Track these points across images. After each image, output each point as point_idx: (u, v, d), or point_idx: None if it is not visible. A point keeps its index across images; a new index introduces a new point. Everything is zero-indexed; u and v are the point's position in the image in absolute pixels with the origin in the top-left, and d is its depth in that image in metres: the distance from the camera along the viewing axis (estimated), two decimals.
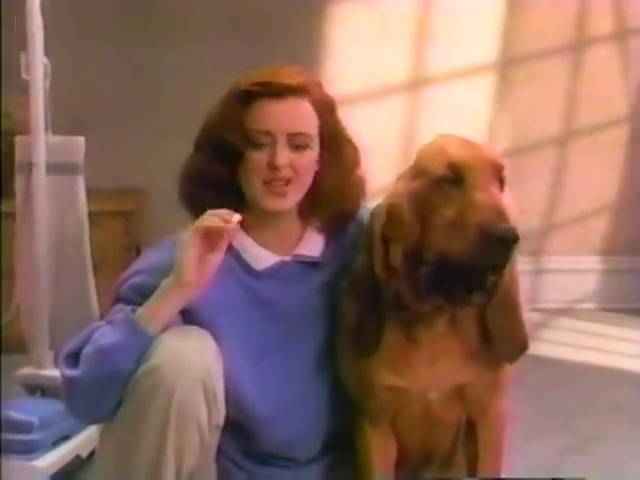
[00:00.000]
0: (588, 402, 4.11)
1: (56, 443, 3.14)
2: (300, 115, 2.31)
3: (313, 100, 2.33)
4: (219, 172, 2.34)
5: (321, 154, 2.37)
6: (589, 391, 4.26)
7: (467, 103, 5.59)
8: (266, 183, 2.28)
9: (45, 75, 3.42)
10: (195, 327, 2.19)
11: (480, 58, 5.64)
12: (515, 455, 3.26)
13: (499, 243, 2.02)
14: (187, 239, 2.12)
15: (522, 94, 5.65)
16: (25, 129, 3.62)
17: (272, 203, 2.30)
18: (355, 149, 2.46)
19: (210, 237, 2.12)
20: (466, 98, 5.60)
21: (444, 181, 2.14)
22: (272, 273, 2.37)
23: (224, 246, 2.15)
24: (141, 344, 2.11)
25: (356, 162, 2.46)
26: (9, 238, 3.72)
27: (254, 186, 2.30)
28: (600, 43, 5.68)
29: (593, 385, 4.34)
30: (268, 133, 2.28)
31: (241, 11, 5.44)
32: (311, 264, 2.42)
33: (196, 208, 2.35)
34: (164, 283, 2.15)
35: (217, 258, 2.14)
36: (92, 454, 3.23)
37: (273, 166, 2.26)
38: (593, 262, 5.80)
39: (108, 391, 2.11)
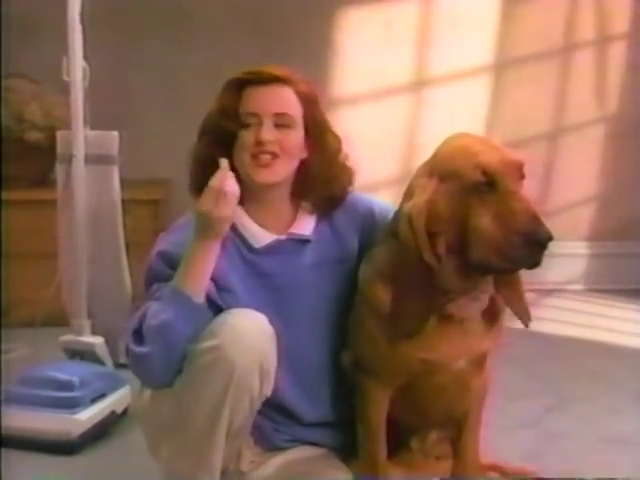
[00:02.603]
0: (570, 369, 4.19)
1: (94, 400, 3.25)
2: (284, 99, 2.44)
3: (297, 90, 2.46)
4: (217, 154, 2.41)
5: (307, 142, 2.49)
6: (571, 360, 4.34)
7: (465, 102, 5.65)
8: (254, 157, 2.40)
9: (84, 77, 3.57)
10: (253, 311, 2.29)
11: (477, 61, 5.70)
12: (501, 413, 3.42)
13: (541, 246, 2.14)
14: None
15: (515, 94, 5.71)
16: (64, 125, 3.82)
17: (260, 175, 2.41)
18: (337, 138, 2.57)
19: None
20: (464, 98, 5.66)
21: (478, 186, 2.21)
22: (269, 250, 2.48)
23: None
24: (194, 308, 2.26)
25: (339, 150, 2.56)
26: (51, 223, 3.87)
27: (243, 161, 2.41)
28: (586, 48, 5.75)
29: (576, 355, 4.42)
30: (255, 114, 2.41)
31: (259, 18, 5.51)
32: (303, 241, 2.53)
33: (197, 190, 2.46)
34: (186, 253, 2.29)
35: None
36: (125, 411, 3.41)
37: (259, 141, 2.38)
38: (581, 247, 5.85)
39: (175, 358, 2.25)
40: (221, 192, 2.27)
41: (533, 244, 2.15)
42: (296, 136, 2.46)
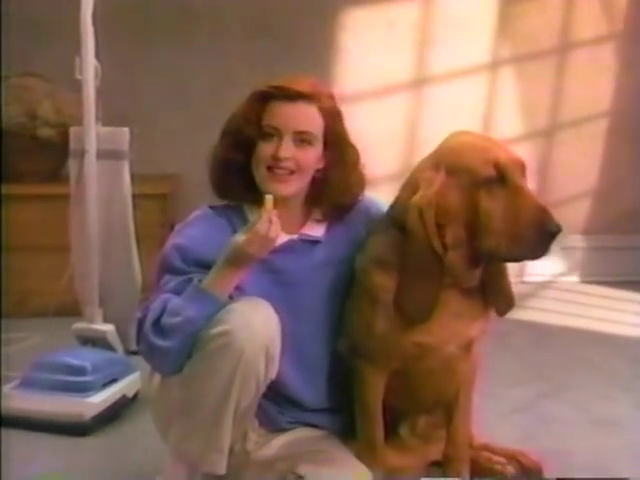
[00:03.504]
0: (563, 357, 4.25)
1: (106, 385, 3.32)
2: (307, 117, 2.46)
3: (321, 107, 2.48)
4: (236, 158, 2.49)
5: (326, 154, 2.52)
6: (565, 348, 4.40)
7: (464, 100, 5.70)
8: (269, 169, 2.44)
9: (96, 75, 3.62)
10: (260, 299, 2.34)
11: (476, 60, 5.75)
12: (497, 399, 3.54)
13: (551, 238, 2.26)
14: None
15: (512, 91, 5.77)
16: (76, 122, 3.87)
17: (274, 188, 2.43)
18: (356, 151, 2.60)
19: None
20: (463, 95, 5.71)
21: (489, 180, 2.31)
22: (282, 249, 2.48)
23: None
24: (217, 311, 2.29)
25: (357, 162, 2.60)
26: (63, 217, 3.92)
27: (260, 171, 2.46)
28: (582, 47, 5.80)
29: (569, 344, 4.48)
30: (276, 129, 2.44)
31: (265, 19, 5.56)
32: (313, 242, 2.58)
33: (219, 189, 2.56)
34: (224, 260, 2.31)
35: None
36: (136, 395, 3.48)
37: (276, 157, 2.42)
38: (576, 240, 5.90)
39: (189, 349, 2.30)
40: (266, 239, 2.30)
41: (544, 236, 2.26)
42: (314, 152, 2.50)
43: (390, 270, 2.45)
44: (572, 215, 5.84)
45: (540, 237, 2.27)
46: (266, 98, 2.49)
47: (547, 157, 5.87)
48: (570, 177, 5.87)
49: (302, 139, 2.47)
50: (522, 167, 2.37)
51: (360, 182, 2.63)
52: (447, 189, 2.36)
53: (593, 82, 5.85)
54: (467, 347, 2.58)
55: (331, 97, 2.56)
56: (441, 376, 2.59)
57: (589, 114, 5.89)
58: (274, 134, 2.46)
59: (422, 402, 2.69)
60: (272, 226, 2.30)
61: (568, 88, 5.86)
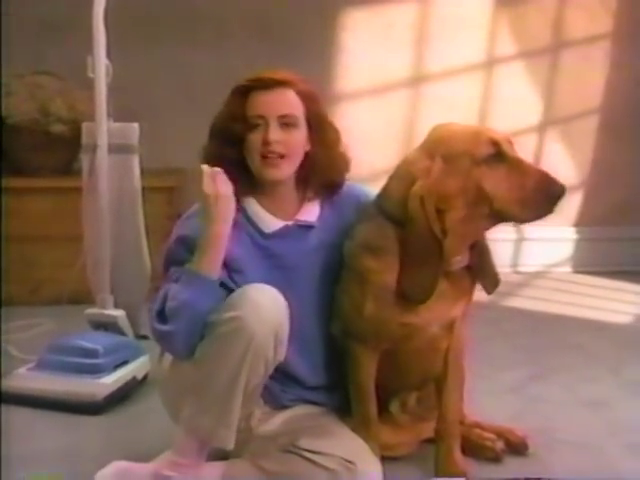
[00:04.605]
0: (554, 343, 4.32)
1: (117, 367, 3.42)
2: (287, 101, 2.58)
3: (297, 90, 2.60)
4: (228, 154, 2.59)
5: (309, 136, 2.64)
6: (556, 335, 4.47)
7: (460, 97, 5.74)
8: (263, 157, 2.55)
9: (107, 74, 3.69)
10: (268, 286, 2.44)
11: (471, 58, 5.80)
12: (489, 381, 3.62)
13: (557, 199, 2.40)
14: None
15: (507, 89, 5.82)
16: (87, 118, 3.94)
17: (269, 173, 2.57)
18: (336, 130, 2.73)
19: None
20: (459, 93, 5.76)
21: (490, 158, 2.43)
22: (278, 234, 2.63)
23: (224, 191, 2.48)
24: (209, 288, 2.42)
25: (338, 140, 2.72)
26: (75, 209, 3.96)
27: (255, 161, 2.57)
28: (574, 45, 5.86)
29: (561, 330, 4.55)
30: (261, 117, 2.55)
31: (268, 19, 5.62)
32: (308, 227, 2.69)
33: None
34: (200, 240, 2.45)
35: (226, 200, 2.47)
36: (145, 377, 3.57)
37: (266, 142, 2.53)
38: (568, 232, 5.98)
39: (195, 332, 2.41)
40: (218, 196, 2.44)
41: (551, 198, 2.39)
42: (300, 134, 2.61)
43: (378, 254, 2.55)
44: (564, 208, 5.77)
45: (547, 199, 2.39)
46: (246, 91, 2.59)
47: (539, 152, 5.92)
48: (562, 172, 5.70)
49: (286, 122, 2.57)
50: (511, 142, 2.49)
51: (344, 159, 2.74)
52: (446, 176, 2.45)
53: (584, 80, 5.91)
54: (449, 327, 2.67)
55: (305, 82, 2.66)
56: (426, 355, 2.70)
57: (580, 111, 5.95)
58: (260, 123, 2.56)
59: (410, 380, 2.80)
60: (217, 183, 2.45)
61: (560, 86, 5.91)
